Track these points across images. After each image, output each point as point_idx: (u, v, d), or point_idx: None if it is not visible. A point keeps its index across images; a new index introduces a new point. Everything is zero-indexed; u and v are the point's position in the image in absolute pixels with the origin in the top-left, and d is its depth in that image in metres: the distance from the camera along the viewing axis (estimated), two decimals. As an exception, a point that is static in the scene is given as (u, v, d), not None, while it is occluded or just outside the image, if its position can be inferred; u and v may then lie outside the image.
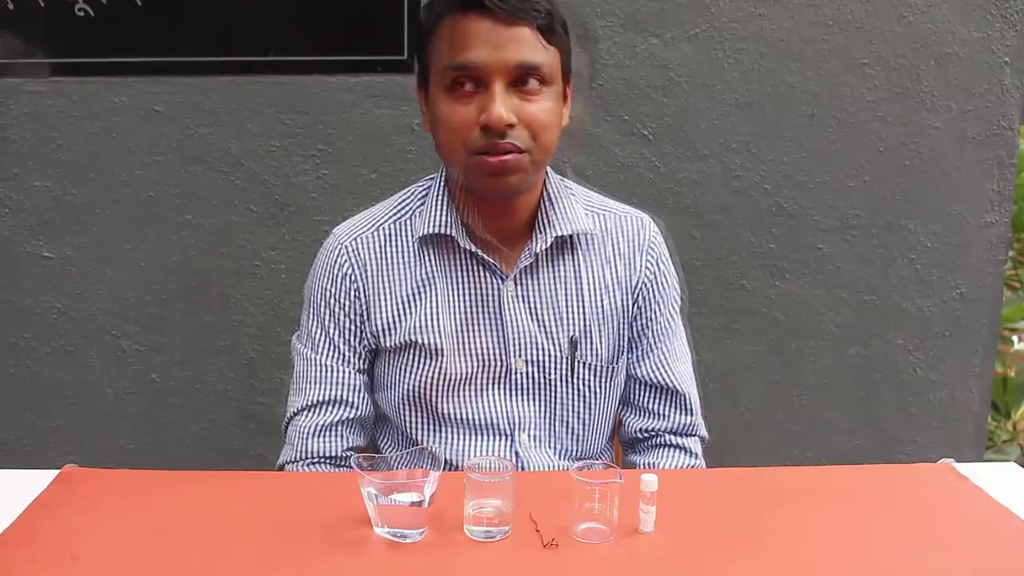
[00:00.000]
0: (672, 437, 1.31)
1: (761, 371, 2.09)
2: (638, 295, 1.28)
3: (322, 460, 1.24)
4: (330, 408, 1.24)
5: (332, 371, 1.25)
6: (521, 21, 1.09)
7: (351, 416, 1.25)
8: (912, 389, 2.13)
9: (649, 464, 1.30)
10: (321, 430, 1.24)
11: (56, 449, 2.03)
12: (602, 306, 1.25)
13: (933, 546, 0.97)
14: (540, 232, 1.21)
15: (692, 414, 1.32)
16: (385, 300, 1.23)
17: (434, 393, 1.23)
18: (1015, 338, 3.03)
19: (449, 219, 1.21)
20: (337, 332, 1.24)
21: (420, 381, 1.22)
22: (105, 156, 1.91)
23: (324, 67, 1.89)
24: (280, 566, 0.89)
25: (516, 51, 1.10)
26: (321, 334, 1.25)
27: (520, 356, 1.23)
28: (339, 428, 1.24)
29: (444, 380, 1.22)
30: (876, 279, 2.06)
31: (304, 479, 1.14)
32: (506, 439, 1.24)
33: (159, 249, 1.96)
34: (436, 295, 1.22)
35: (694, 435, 1.33)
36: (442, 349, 1.21)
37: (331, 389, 1.24)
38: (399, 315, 1.22)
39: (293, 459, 1.25)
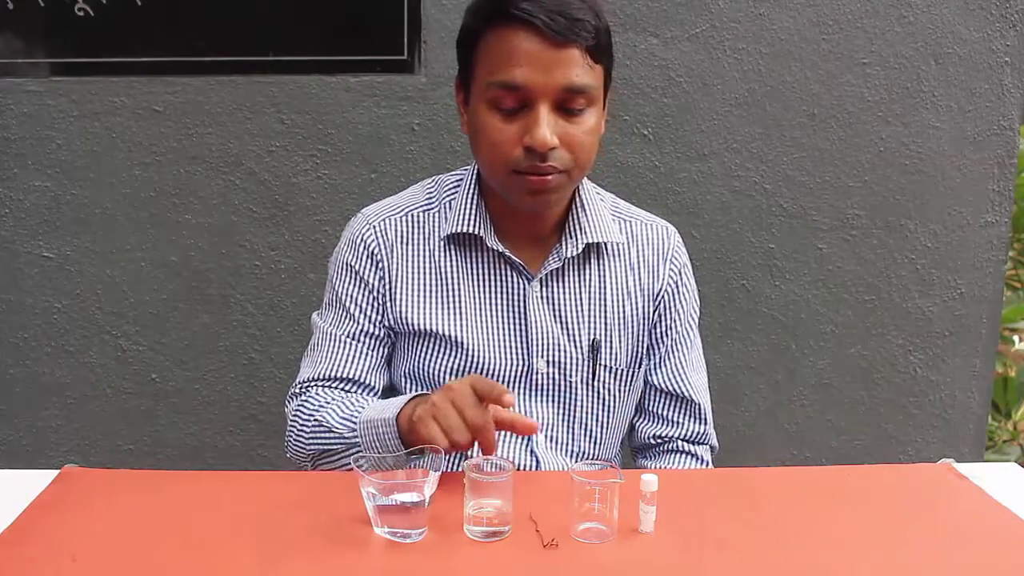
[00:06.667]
0: (684, 444, 1.32)
1: (761, 371, 2.09)
2: (659, 303, 1.29)
3: (339, 380, 1.23)
4: (343, 384, 1.23)
5: (350, 348, 1.23)
6: (570, 43, 1.08)
7: (363, 395, 1.24)
8: (912, 389, 2.13)
9: (659, 468, 1.30)
10: (329, 393, 1.23)
11: (56, 449, 2.03)
12: (624, 312, 1.26)
13: (933, 546, 0.97)
14: (571, 237, 1.22)
15: (705, 423, 1.33)
16: (408, 285, 1.23)
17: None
18: (1015, 338, 3.03)
19: (478, 218, 1.21)
20: (358, 308, 1.23)
21: (440, 370, 1.22)
22: (105, 156, 1.91)
23: (324, 67, 1.89)
24: (280, 566, 0.89)
25: (564, 74, 1.08)
26: (342, 310, 1.24)
27: (542, 357, 1.23)
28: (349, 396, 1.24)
29: (465, 372, 1.22)
30: (876, 279, 2.06)
31: (304, 479, 1.14)
32: (523, 439, 1.24)
33: (159, 249, 1.97)
34: (460, 290, 1.22)
35: (705, 444, 1.33)
36: (464, 343, 1.21)
37: (346, 366, 1.23)
38: (421, 302, 1.22)
39: (299, 404, 1.23)
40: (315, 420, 1.19)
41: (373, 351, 1.25)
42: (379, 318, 1.24)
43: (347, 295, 1.24)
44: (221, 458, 2.03)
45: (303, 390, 1.25)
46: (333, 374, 1.23)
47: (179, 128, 1.91)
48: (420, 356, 1.23)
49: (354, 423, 1.14)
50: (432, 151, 1.93)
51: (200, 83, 1.89)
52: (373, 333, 1.24)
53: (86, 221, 1.95)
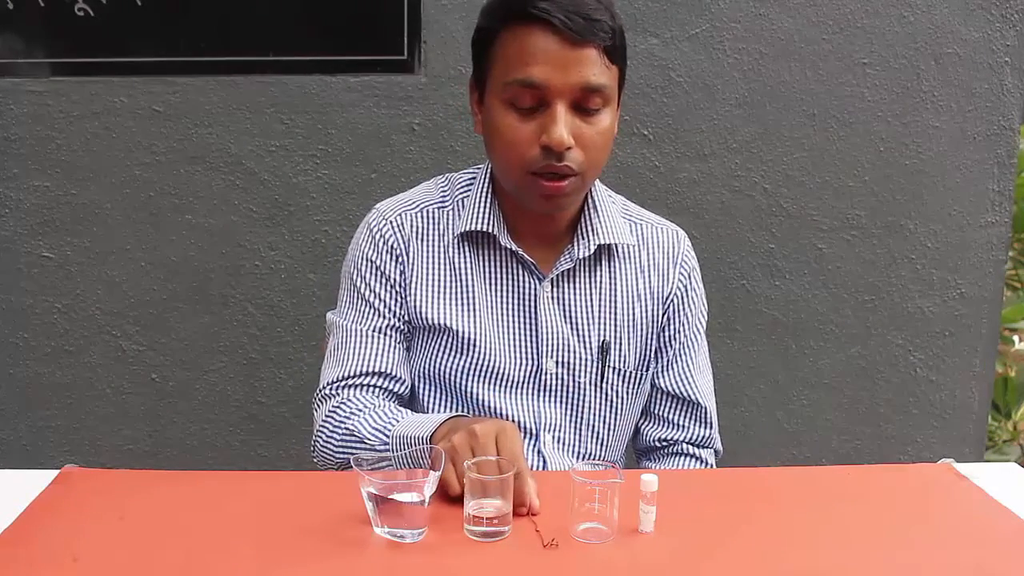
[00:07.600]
0: (688, 447, 1.32)
1: (761, 371, 2.09)
2: (668, 306, 1.29)
3: (370, 374, 1.20)
4: (372, 379, 1.21)
5: (377, 342, 1.22)
6: (588, 43, 1.08)
7: (393, 390, 1.23)
8: (912, 389, 2.13)
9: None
10: (360, 388, 1.21)
11: (56, 449, 2.03)
12: (633, 314, 1.26)
13: (933, 546, 0.97)
14: (583, 238, 1.22)
15: (710, 427, 1.33)
16: (423, 279, 1.23)
17: (464, 381, 1.22)
18: (1015, 338, 3.03)
19: (492, 217, 1.21)
20: (380, 301, 1.23)
21: (451, 367, 1.22)
22: (105, 156, 1.91)
23: (324, 67, 1.89)
24: (280, 566, 0.89)
25: (581, 73, 1.08)
26: (364, 305, 1.23)
27: (551, 357, 1.23)
28: (379, 392, 1.22)
29: (475, 370, 1.22)
30: (876, 279, 2.06)
31: (304, 479, 1.14)
32: (530, 438, 1.24)
33: (159, 249, 1.96)
34: (473, 287, 1.22)
35: (709, 447, 1.34)
36: (475, 340, 1.21)
37: (376, 360, 1.21)
38: (435, 298, 1.22)
39: (331, 410, 1.20)
40: (345, 428, 1.17)
41: (400, 344, 1.24)
42: (401, 312, 1.23)
43: (369, 289, 1.23)
44: (221, 458, 2.03)
45: (334, 392, 1.22)
46: (363, 370, 1.21)
47: (179, 128, 1.91)
48: (433, 354, 1.23)
49: (387, 435, 1.12)
50: (432, 151, 1.93)
51: (200, 83, 1.89)
52: (397, 326, 1.23)
53: (86, 221, 1.94)
